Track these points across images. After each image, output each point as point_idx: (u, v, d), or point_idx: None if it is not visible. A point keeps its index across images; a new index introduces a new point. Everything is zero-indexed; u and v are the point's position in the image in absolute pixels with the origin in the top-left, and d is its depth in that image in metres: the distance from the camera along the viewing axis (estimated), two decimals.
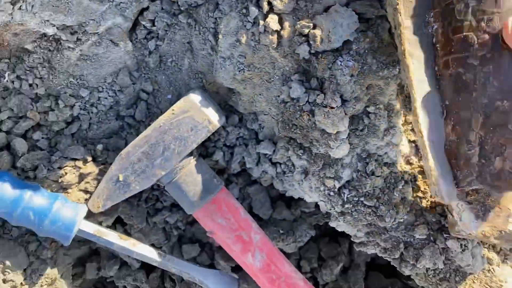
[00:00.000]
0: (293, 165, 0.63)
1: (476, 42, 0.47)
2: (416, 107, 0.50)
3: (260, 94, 0.62)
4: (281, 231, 0.70)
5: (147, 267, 0.74)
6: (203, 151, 0.68)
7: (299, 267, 0.75)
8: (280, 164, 0.64)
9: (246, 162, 0.66)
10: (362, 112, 0.59)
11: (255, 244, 0.66)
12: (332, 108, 0.55)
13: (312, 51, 0.56)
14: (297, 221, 0.72)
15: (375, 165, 0.61)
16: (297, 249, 0.73)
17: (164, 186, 0.64)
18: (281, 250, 0.70)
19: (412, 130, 0.63)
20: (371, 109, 0.59)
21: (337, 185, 0.61)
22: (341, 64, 0.55)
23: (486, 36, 0.46)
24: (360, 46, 0.55)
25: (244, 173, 0.71)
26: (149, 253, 0.68)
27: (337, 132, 0.57)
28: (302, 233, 0.71)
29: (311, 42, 0.56)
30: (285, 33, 0.57)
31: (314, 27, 0.56)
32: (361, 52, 0.55)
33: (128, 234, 0.69)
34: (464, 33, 0.47)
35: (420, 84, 0.51)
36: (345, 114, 0.56)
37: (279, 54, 0.58)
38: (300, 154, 0.61)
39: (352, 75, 0.55)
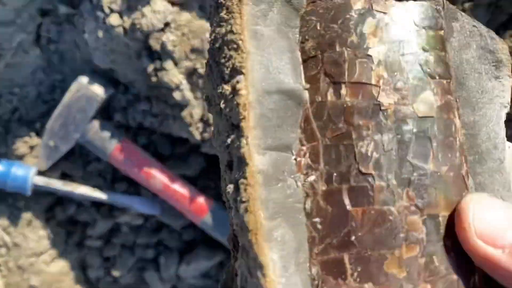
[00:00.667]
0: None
1: (402, 228, 0.28)
2: None
3: (127, 68, 0.87)
4: (179, 161, 0.97)
5: (97, 204, 1.04)
6: (105, 115, 0.94)
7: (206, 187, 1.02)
8: (159, 115, 0.90)
9: (136, 119, 0.92)
10: None
11: (155, 173, 0.93)
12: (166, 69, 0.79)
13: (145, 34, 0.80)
14: (189, 154, 0.98)
15: None
16: (198, 172, 1.00)
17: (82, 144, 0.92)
18: (184, 176, 0.97)
19: None
20: None
21: None
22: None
23: (418, 220, 0.28)
24: None
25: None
26: (89, 192, 0.97)
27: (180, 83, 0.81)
28: (195, 160, 0.98)
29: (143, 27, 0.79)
30: (126, 24, 0.81)
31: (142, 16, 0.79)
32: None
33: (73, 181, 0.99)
34: (379, 206, 0.28)
35: None
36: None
37: (128, 38, 0.82)
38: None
39: None
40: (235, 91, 0.26)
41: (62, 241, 1.07)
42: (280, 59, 0.27)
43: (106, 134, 0.91)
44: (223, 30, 0.27)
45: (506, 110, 0.31)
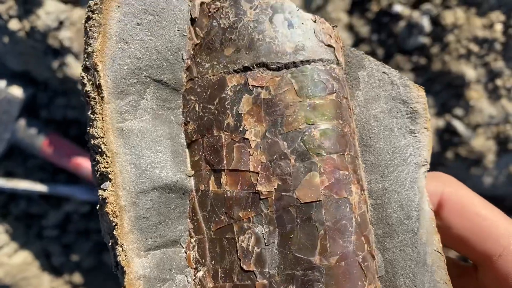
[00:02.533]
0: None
1: None
2: None
3: (39, 67, 0.94)
4: None
5: (46, 197, 1.13)
6: (33, 113, 1.02)
7: None
8: (78, 107, 0.98)
9: (59, 112, 1.00)
10: None
11: (84, 162, 1.01)
12: None
13: None
14: None
15: None
16: None
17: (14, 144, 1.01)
18: None
19: None
20: None
21: None
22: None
23: None
24: None
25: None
26: (30, 186, 1.06)
27: None
28: None
29: None
30: (27, 28, 0.88)
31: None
32: None
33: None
34: None
35: None
36: None
37: (32, 40, 0.89)
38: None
39: None
40: (103, 199, 0.25)
41: (22, 233, 1.17)
42: (155, 152, 0.26)
43: (34, 130, 0.99)
44: (90, 131, 0.26)
45: (425, 168, 0.29)
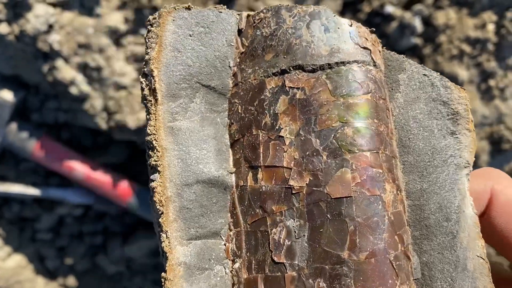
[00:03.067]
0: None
1: None
2: None
3: (30, 71, 0.94)
4: (101, 151, 1.05)
5: (39, 200, 1.13)
6: (24, 117, 1.02)
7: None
8: (69, 110, 0.97)
9: (51, 116, 1.00)
10: None
11: (76, 165, 1.01)
12: None
13: None
14: (111, 143, 1.05)
15: None
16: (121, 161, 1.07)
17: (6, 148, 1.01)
18: (109, 164, 1.05)
19: None
20: None
21: None
22: None
23: None
24: None
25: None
26: (22, 189, 1.06)
27: None
28: (117, 148, 1.05)
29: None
30: (16, 31, 0.88)
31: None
32: None
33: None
34: None
35: None
36: None
37: (22, 44, 0.89)
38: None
39: None
40: (152, 190, 0.27)
41: (16, 237, 1.17)
42: (200, 149, 0.28)
43: (25, 134, 0.99)
44: (147, 129, 0.28)
45: (467, 170, 0.28)
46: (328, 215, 0.25)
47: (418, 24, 0.91)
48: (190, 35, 0.29)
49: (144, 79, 0.29)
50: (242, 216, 0.27)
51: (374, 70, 0.28)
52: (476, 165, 0.99)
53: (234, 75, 0.30)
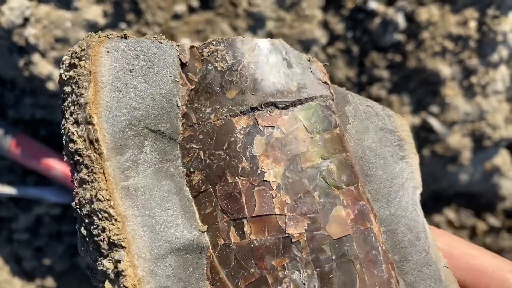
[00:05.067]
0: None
1: None
2: None
3: (5, 66, 0.91)
4: None
5: (15, 199, 1.10)
6: None
7: None
8: (46, 106, 0.95)
9: (28, 112, 0.97)
10: None
11: (53, 163, 0.99)
12: None
13: None
14: None
15: None
16: None
17: None
18: None
19: None
20: None
21: None
22: None
23: None
24: None
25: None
26: (0, 189, 1.03)
27: None
28: None
29: None
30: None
31: None
32: None
33: None
34: None
35: None
36: None
37: None
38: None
39: None
40: (118, 273, 0.22)
41: None
42: (165, 210, 0.24)
43: (0, 131, 0.96)
44: (87, 194, 0.23)
45: (419, 191, 0.29)
46: (333, 258, 0.24)
47: (401, 20, 0.91)
48: (130, 71, 0.25)
49: (76, 129, 0.24)
50: (230, 281, 0.23)
51: (333, 104, 0.28)
52: (458, 162, 0.99)
53: (185, 115, 0.26)
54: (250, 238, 0.24)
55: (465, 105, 0.96)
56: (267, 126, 0.25)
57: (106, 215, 0.23)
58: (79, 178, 0.24)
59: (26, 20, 0.85)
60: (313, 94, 0.27)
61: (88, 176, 0.23)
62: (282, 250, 0.23)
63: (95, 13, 0.88)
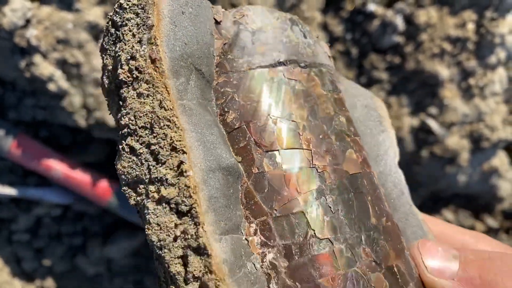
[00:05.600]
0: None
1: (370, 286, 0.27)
2: None
3: (6, 67, 0.92)
4: (80, 150, 1.03)
5: (16, 200, 1.10)
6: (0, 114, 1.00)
7: None
8: (47, 107, 0.95)
9: (28, 113, 0.97)
10: None
11: (54, 164, 0.99)
12: None
13: None
14: (91, 141, 1.04)
15: None
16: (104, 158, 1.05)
17: None
18: (88, 163, 1.03)
19: None
20: None
21: None
22: None
23: (381, 276, 0.28)
24: None
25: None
26: (1, 189, 1.03)
27: None
28: (97, 146, 1.03)
29: None
30: None
31: None
32: None
33: None
34: (344, 270, 0.26)
35: None
36: None
37: None
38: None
39: None
40: (181, 172, 0.23)
41: None
42: (211, 134, 0.26)
43: (0, 132, 0.96)
44: (147, 107, 0.25)
45: (397, 159, 0.33)
46: (351, 189, 0.27)
47: (400, 22, 0.92)
48: (182, 13, 0.27)
49: (138, 47, 0.25)
50: (266, 204, 0.25)
51: (335, 76, 0.33)
52: (456, 163, 1.00)
53: (219, 64, 0.29)
54: (281, 167, 0.26)
55: (463, 107, 0.97)
56: (292, 79, 0.29)
57: (168, 123, 0.24)
58: (135, 93, 0.25)
59: (27, 21, 0.86)
60: (323, 62, 0.32)
61: (149, 90, 0.25)
62: (310, 178, 0.26)
63: (96, 14, 0.88)
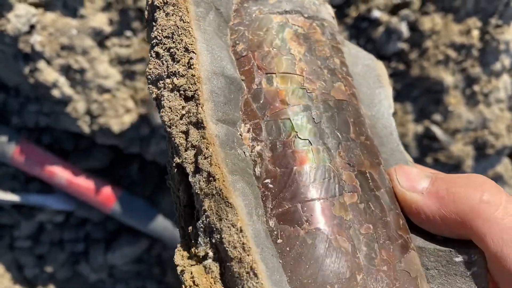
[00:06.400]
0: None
1: (340, 180, 0.30)
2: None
3: (10, 72, 0.91)
4: (83, 156, 1.02)
5: (18, 206, 1.09)
6: (3, 120, 0.99)
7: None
8: (51, 114, 0.94)
9: (32, 119, 0.96)
10: None
11: (57, 170, 0.98)
12: None
13: None
14: (94, 147, 1.03)
15: None
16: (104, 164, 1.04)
17: None
18: (92, 169, 1.02)
19: None
20: None
21: None
22: None
23: (352, 174, 0.30)
24: None
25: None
26: (1, 195, 1.02)
27: None
28: (100, 152, 1.02)
29: None
30: None
31: None
32: None
33: None
34: (318, 163, 0.29)
35: (261, 251, 0.25)
36: None
37: (1, 45, 0.86)
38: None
39: None
40: (190, 66, 0.29)
41: None
42: (220, 51, 0.31)
43: (4, 138, 0.95)
44: (171, 21, 0.31)
45: (391, 111, 0.38)
46: (335, 110, 0.31)
47: (404, 29, 0.91)
48: None
49: None
50: (260, 111, 0.31)
51: (337, 32, 0.37)
52: (461, 170, 0.99)
53: (236, 10, 0.35)
54: (277, 86, 0.31)
55: (467, 114, 0.96)
56: (295, 24, 0.34)
57: (185, 32, 0.30)
58: (164, 14, 0.31)
59: (32, 27, 0.85)
60: (326, 18, 0.36)
61: (174, 11, 0.31)
62: (300, 96, 0.31)
63: (101, 20, 0.88)
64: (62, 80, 0.88)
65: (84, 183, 0.99)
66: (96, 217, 1.09)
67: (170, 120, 0.29)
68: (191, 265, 0.26)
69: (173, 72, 0.30)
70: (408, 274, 0.28)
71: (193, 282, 0.25)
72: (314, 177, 0.28)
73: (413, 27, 0.93)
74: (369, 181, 0.30)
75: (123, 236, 1.13)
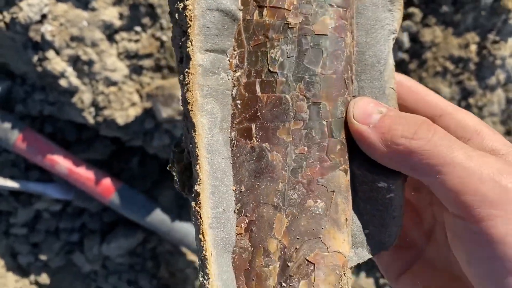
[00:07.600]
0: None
1: (293, 109, 0.34)
2: (200, 189, 0.33)
3: (18, 60, 0.91)
4: (85, 146, 1.02)
5: (16, 193, 1.08)
6: (8, 107, 0.99)
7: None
8: (55, 103, 0.95)
9: (36, 108, 0.97)
10: None
11: (59, 159, 0.98)
12: None
13: None
14: (96, 138, 1.03)
15: None
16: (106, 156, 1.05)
17: None
18: (93, 160, 1.02)
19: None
20: None
21: None
22: None
23: (304, 105, 0.34)
24: None
25: None
26: (1, 181, 1.02)
27: None
28: (101, 144, 1.03)
29: None
30: (7, 19, 0.85)
31: None
32: None
33: None
34: (278, 94, 0.34)
35: (210, 155, 0.34)
36: None
37: (12, 32, 0.86)
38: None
39: None
40: (184, 7, 0.34)
41: None
42: None
43: (7, 125, 0.95)
44: None
45: (394, 35, 0.40)
46: (311, 44, 0.35)
47: (405, 39, 0.93)
48: None
49: None
50: (246, 41, 0.35)
51: None
52: None
53: None
54: (265, 18, 0.35)
55: None
56: None
57: None
58: None
59: (43, 16, 0.85)
60: None
61: None
62: (281, 30, 0.35)
63: (111, 14, 0.88)
64: (70, 70, 0.88)
65: (84, 173, 0.99)
66: (93, 208, 1.09)
67: (174, 46, 0.36)
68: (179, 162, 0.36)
69: (177, 9, 0.35)
70: (326, 188, 0.34)
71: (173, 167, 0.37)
72: (271, 104, 0.34)
73: (414, 38, 0.95)
74: (320, 111, 0.34)
75: (119, 228, 1.13)
